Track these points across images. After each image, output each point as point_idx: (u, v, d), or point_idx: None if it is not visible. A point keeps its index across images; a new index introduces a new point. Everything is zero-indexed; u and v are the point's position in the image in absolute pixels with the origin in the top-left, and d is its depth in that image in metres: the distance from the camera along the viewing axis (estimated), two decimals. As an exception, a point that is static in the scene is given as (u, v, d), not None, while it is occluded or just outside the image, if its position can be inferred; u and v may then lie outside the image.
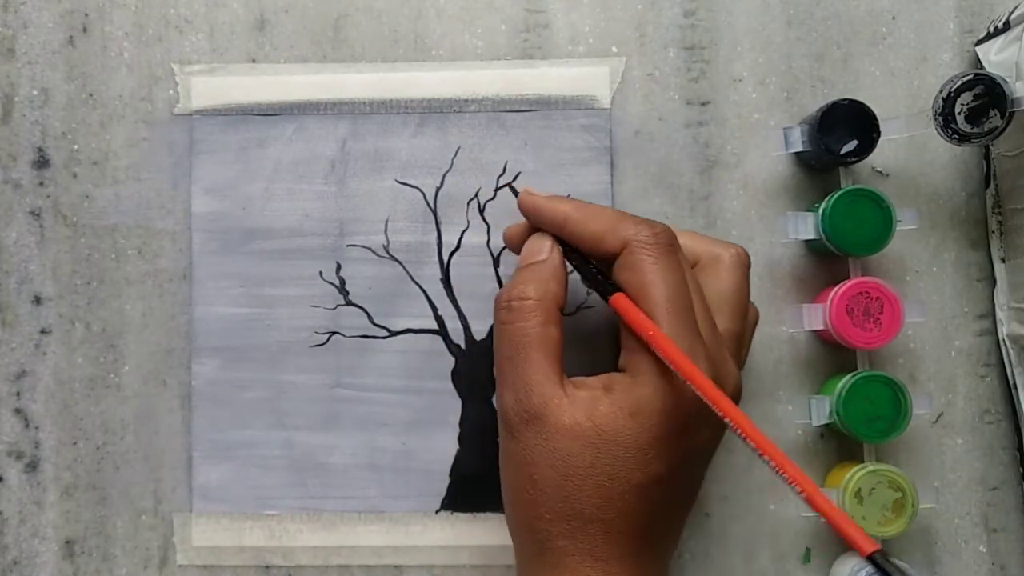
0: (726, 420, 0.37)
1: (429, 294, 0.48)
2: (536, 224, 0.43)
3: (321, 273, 0.48)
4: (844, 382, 0.44)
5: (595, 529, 0.38)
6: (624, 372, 0.39)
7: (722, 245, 0.43)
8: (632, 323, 0.38)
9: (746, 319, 0.42)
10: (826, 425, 0.45)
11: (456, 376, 0.47)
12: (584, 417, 0.38)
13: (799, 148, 0.45)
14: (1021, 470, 0.46)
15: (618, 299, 0.39)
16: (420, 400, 0.47)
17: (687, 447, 0.39)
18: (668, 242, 0.39)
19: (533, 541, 0.40)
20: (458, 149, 0.48)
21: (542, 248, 0.42)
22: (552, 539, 0.39)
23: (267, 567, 0.47)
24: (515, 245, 0.43)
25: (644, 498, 0.38)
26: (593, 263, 0.41)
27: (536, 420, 0.39)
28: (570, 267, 0.42)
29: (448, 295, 0.48)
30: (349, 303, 0.48)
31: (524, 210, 0.43)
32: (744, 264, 0.43)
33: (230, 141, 0.48)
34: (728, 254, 0.42)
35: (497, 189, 0.48)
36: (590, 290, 0.41)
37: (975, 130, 0.42)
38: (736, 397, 0.40)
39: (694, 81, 0.48)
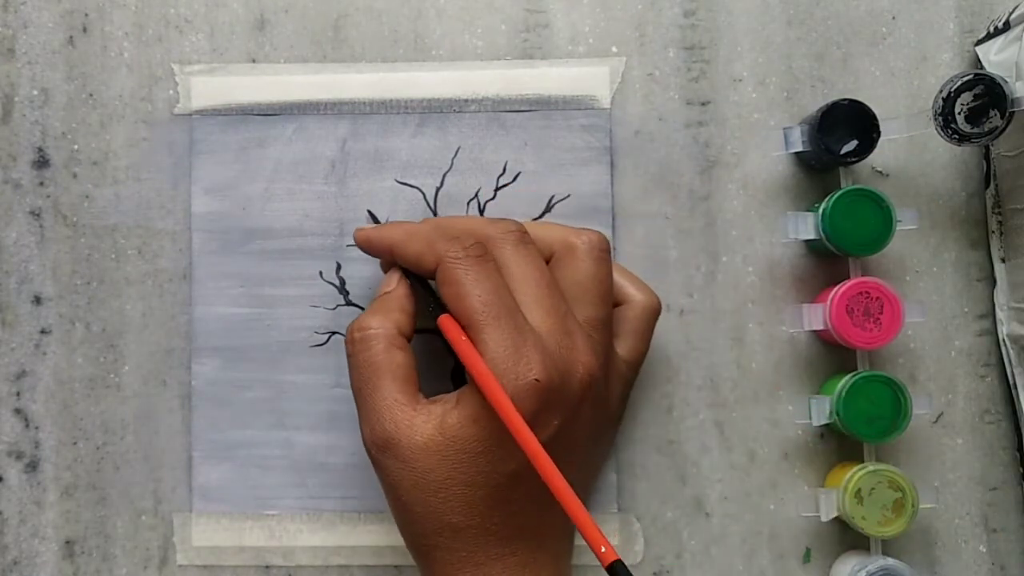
0: (520, 443, 0.37)
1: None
2: (375, 256, 0.44)
3: (321, 273, 0.48)
4: (844, 382, 0.44)
5: (467, 536, 0.39)
6: (468, 386, 0.40)
7: (576, 233, 0.43)
8: (451, 341, 0.40)
9: (608, 304, 0.43)
10: (826, 425, 0.45)
11: (456, 376, 0.47)
12: (436, 432, 0.39)
13: (799, 148, 0.45)
14: (1021, 470, 0.46)
15: (443, 320, 0.40)
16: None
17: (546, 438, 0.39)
18: (477, 253, 0.40)
19: (421, 557, 0.41)
20: (458, 149, 0.48)
21: (391, 280, 0.43)
22: (432, 552, 0.40)
23: (267, 567, 0.47)
24: (364, 246, 0.45)
25: (505, 498, 0.39)
26: (431, 290, 0.42)
27: (392, 445, 0.39)
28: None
29: (448, 295, 0.48)
30: (349, 303, 0.48)
31: (359, 245, 0.44)
32: (599, 249, 0.43)
33: (230, 141, 0.48)
34: (581, 241, 0.42)
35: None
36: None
37: (975, 130, 0.42)
38: (587, 383, 0.40)
39: (694, 81, 0.48)
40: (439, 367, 0.46)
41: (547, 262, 0.43)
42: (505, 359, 0.38)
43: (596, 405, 0.41)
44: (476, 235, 0.41)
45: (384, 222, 0.47)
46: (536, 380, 0.38)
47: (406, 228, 0.43)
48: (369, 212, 0.47)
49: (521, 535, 0.40)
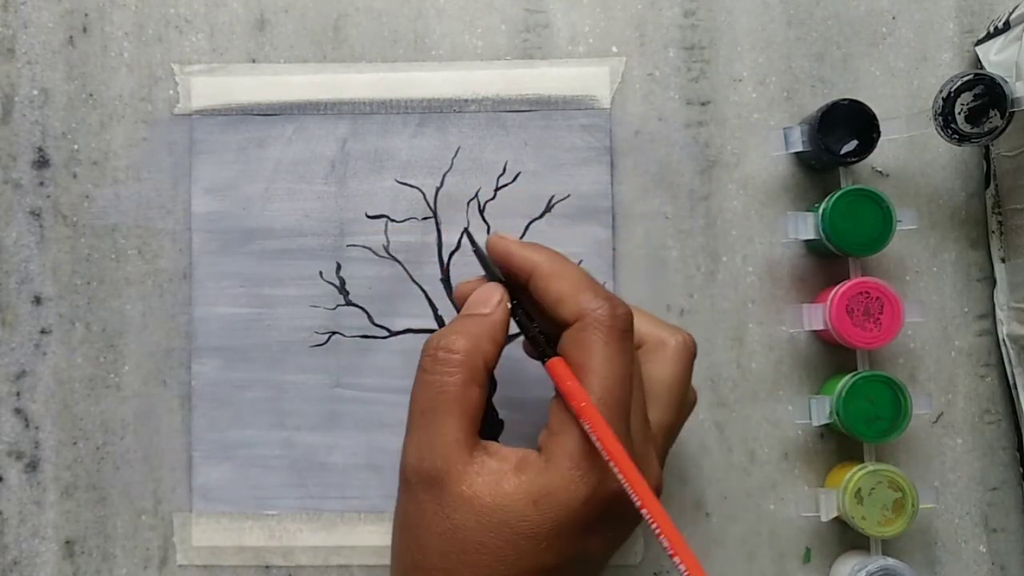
0: (639, 506, 0.34)
1: (429, 294, 0.48)
2: (503, 268, 0.40)
3: (321, 273, 0.48)
4: (844, 382, 0.44)
5: None
6: (540, 452, 0.37)
7: (669, 330, 0.40)
8: (564, 390, 0.36)
9: (682, 412, 0.40)
10: (826, 425, 0.45)
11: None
12: (486, 492, 0.35)
13: (799, 148, 0.45)
14: (1021, 470, 0.46)
15: (555, 364, 0.37)
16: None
17: (584, 546, 0.36)
18: (624, 327, 0.37)
19: None
20: (458, 149, 0.48)
21: (489, 300, 0.39)
22: None
23: (267, 567, 0.47)
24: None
25: None
26: (537, 324, 0.39)
27: (435, 484, 0.36)
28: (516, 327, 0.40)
29: (448, 295, 0.48)
30: (349, 303, 0.48)
31: (493, 253, 0.40)
32: (690, 352, 0.40)
33: (230, 141, 0.48)
34: (675, 340, 0.40)
35: (461, 237, 0.46)
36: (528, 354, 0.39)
37: (975, 130, 0.42)
38: (656, 495, 0.37)
39: (694, 81, 0.48)
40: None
41: None
42: (596, 456, 0.35)
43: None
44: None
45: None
46: (615, 491, 0.35)
47: (555, 258, 0.38)
48: (467, 232, 0.44)
49: None
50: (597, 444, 0.35)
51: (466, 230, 0.45)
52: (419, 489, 0.37)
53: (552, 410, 0.37)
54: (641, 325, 0.40)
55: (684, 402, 0.40)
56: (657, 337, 0.40)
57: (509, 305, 0.39)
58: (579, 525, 0.35)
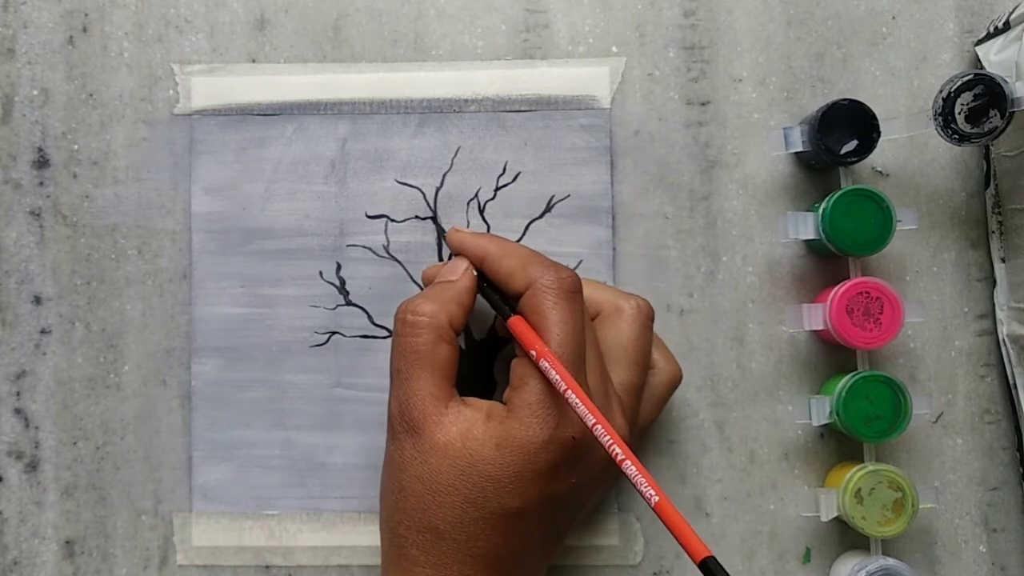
0: (598, 432, 0.37)
1: (429, 294, 0.48)
2: (465, 256, 0.44)
3: (321, 273, 0.48)
4: (844, 382, 0.44)
5: (447, 547, 0.39)
6: (504, 404, 0.40)
7: (624, 296, 0.43)
8: (524, 341, 0.39)
9: (644, 371, 0.43)
10: (826, 425, 0.45)
11: (456, 376, 0.47)
12: (458, 438, 0.39)
13: (799, 148, 0.45)
14: (1021, 470, 0.46)
15: (515, 321, 0.40)
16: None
17: (548, 489, 0.39)
18: (571, 288, 0.40)
19: (392, 544, 0.41)
20: (458, 149, 0.48)
21: (456, 269, 0.43)
22: (407, 547, 0.40)
23: (267, 567, 0.47)
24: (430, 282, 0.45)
25: (497, 528, 0.39)
26: (499, 291, 0.42)
27: (414, 432, 0.40)
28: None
29: (448, 295, 0.48)
30: (349, 303, 0.48)
31: (450, 245, 0.44)
32: (645, 316, 0.43)
33: (230, 141, 0.48)
34: (629, 305, 0.43)
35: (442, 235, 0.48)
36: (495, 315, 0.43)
37: (975, 130, 0.42)
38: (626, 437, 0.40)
39: (694, 81, 0.48)
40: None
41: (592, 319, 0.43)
42: (552, 405, 0.38)
43: (614, 467, 0.41)
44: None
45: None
46: (573, 438, 0.38)
47: (503, 243, 0.43)
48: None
49: (499, 567, 0.40)
50: (555, 378, 0.38)
51: (438, 224, 0.48)
52: (402, 436, 0.40)
53: (514, 368, 0.40)
54: (596, 294, 0.44)
55: (645, 362, 0.43)
56: (613, 303, 0.43)
57: (474, 272, 0.43)
58: (539, 468, 0.38)
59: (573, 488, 0.39)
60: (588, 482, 0.40)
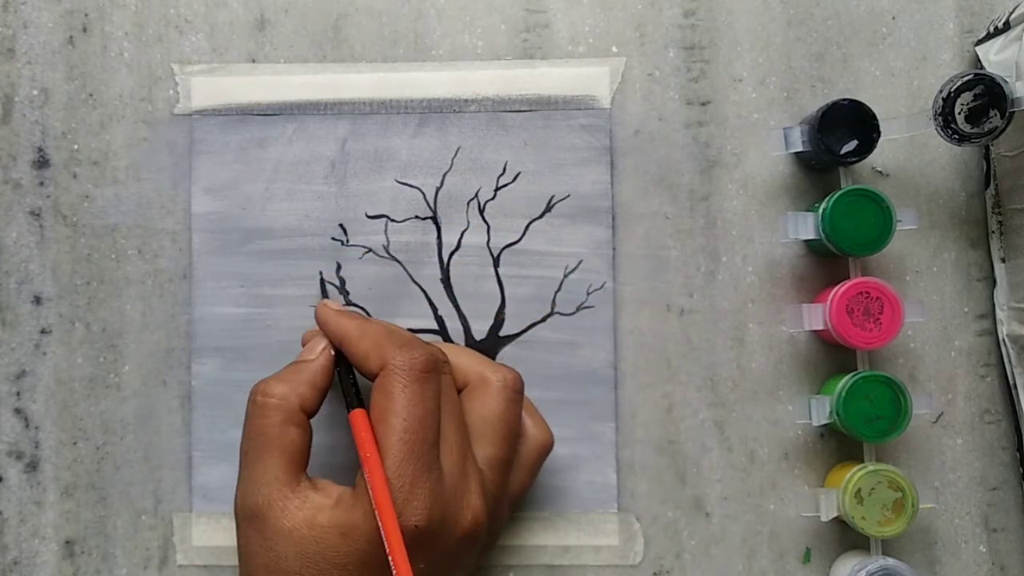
0: (388, 553, 0.37)
1: (429, 294, 0.48)
2: (328, 337, 0.43)
3: (321, 273, 0.48)
4: (844, 382, 0.44)
5: None
6: (353, 489, 0.39)
7: (492, 368, 0.43)
8: (357, 442, 0.39)
9: (512, 444, 0.42)
10: (826, 425, 0.45)
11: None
12: (304, 525, 0.38)
13: (799, 148, 0.45)
14: (1021, 470, 0.46)
15: (355, 416, 0.40)
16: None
17: None
18: (423, 369, 0.39)
19: None
20: (458, 149, 0.48)
21: (314, 348, 0.43)
22: None
23: (267, 567, 0.47)
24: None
25: None
26: (354, 378, 0.42)
27: (257, 519, 0.39)
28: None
29: (448, 295, 0.48)
30: (349, 303, 0.48)
31: (317, 320, 0.44)
32: (512, 389, 0.42)
33: (230, 141, 0.48)
34: (496, 378, 0.42)
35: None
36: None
37: (975, 130, 0.42)
38: (470, 531, 0.40)
39: (694, 81, 0.48)
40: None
41: (459, 391, 0.43)
42: (397, 493, 0.38)
43: (473, 545, 0.41)
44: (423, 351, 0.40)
45: (330, 298, 0.47)
46: (416, 526, 0.38)
47: (361, 325, 0.42)
48: (320, 275, 0.47)
49: None
50: (367, 485, 0.38)
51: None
52: (245, 524, 0.40)
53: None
54: (464, 364, 0.43)
55: (513, 436, 0.42)
56: (479, 375, 0.43)
57: (332, 353, 0.42)
58: (383, 558, 0.38)
59: (421, 572, 0.38)
60: (439, 566, 0.40)
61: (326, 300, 0.46)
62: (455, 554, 0.40)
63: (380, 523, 0.37)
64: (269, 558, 0.39)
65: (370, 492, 0.38)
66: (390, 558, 0.37)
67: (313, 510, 0.39)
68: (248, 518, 0.39)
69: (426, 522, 0.38)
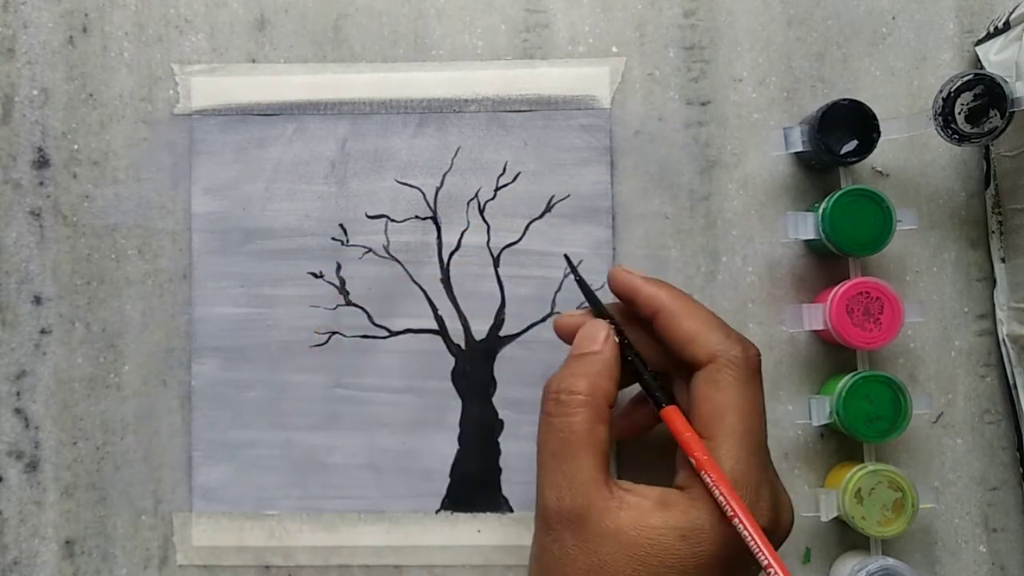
0: (762, 561, 0.35)
1: (429, 294, 0.48)
2: (625, 301, 0.41)
3: (321, 273, 0.48)
4: (844, 382, 0.44)
5: None
6: (681, 490, 0.38)
7: (734, 340, 0.40)
8: (682, 442, 0.37)
9: (765, 429, 0.40)
10: (826, 425, 0.45)
11: (456, 376, 0.47)
12: (630, 526, 0.36)
13: (799, 148, 0.45)
14: (1021, 470, 0.46)
15: (670, 412, 0.38)
16: (420, 400, 0.47)
17: None
18: (756, 367, 0.38)
19: None
20: (458, 149, 0.48)
21: (596, 337, 0.40)
22: None
23: (267, 567, 0.47)
24: (567, 335, 0.42)
25: None
26: (648, 367, 0.40)
27: (577, 522, 0.37)
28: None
29: (448, 295, 0.48)
30: (349, 303, 0.48)
31: (616, 287, 0.41)
32: (754, 368, 0.40)
33: (230, 141, 0.48)
34: (743, 354, 0.39)
35: (566, 275, 0.46)
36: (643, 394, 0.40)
37: (975, 130, 0.42)
38: (790, 528, 0.39)
39: (694, 81, 0.48)
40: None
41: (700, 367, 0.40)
42: (743, 495, 0.36)
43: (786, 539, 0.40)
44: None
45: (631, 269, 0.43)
46: (764, 528, 0.36)
47: (683, 299, 0.39)
48: (567, 259, 0.43)
49: None
50: (720, 499, 0.36)
51: (567, 257, 0.43)
52: (561, 528, 0.37)
53: (681, 451, 0.38)
54: (703, 332, 0.39)
55: (764, 421, 0.40)
56: (725, 353, 0.40)
57: (616, 341, 0.40)
58: (722, 561, 0.36)
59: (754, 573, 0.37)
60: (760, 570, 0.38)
61: (621, 265, 0.43)
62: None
63: (743, 527, 0.35)
64: (593, 562, 0.36)
65: (714, 491, 0.36)
66: (767, 567, 0.35)
67: (636, 511, 0.37)
68: (566, 522, 0.37)
69: (771, 525, 0.37)
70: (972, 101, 0.42)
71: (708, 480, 0.36)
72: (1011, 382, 0.46)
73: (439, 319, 0.48)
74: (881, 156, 0.47)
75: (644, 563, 0.36)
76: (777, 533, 0.38)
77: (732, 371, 0.38)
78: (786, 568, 0.35)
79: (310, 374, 0.48)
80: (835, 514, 0.45)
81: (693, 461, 0.37)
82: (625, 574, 0.36)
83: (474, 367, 0.47)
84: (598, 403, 0.38)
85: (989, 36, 0.46)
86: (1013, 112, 0.42)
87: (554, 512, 0.37)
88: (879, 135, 0.44)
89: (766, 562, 0.35)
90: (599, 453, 0.38)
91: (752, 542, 0.35)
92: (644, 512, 0.37)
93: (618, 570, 0.36)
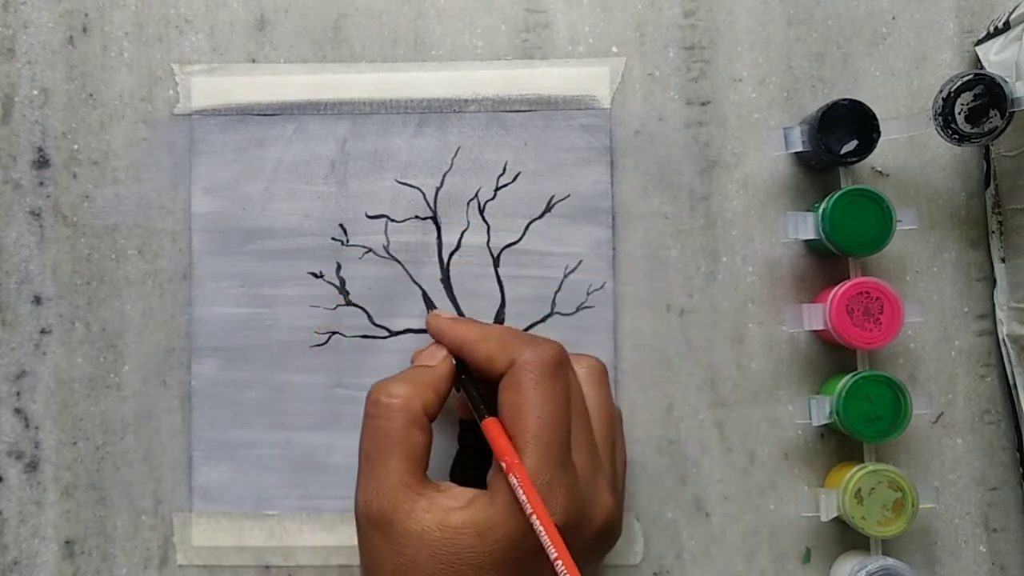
0: (551, 554, 0.36)
1: (429, 294, 0.48)
2: (443, 343, 0.43)
3: (321, 273, 0.48)
4: (844, 382, 0.44)
5: None
6: (487, 490, 0.39)
7: (573, 358, 0.42)
8: (495, 449, 0.39)
9: (613, 424, 0.42)
10: (826, 425, 0.45)
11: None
12: (435, 526, 0.38)
13: (799, 148, 0.45)
14: (1021, 470, 0.46)
15: (488, 424, 0.39)
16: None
17: (528, 573, 0.38)
18: (555, 364, 0.39)
19: None
20: (458, 149, 0.48)
21: (435, 355, 0.42)
22: None
23: (267, 567, 0.47)
24: (433, 335, 0.44)
25: None
26: (479, 388, 0.42)
27: (384, 524, 0.38)
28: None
29: (448, 295, 0.48)
30: (349, 303, 0.48)
31: (432, 333, 0.44)
32: (598, 373, 0.42)
33: (230, 141, 0.48)
34: (580, 369, 0.42)
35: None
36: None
37: (975, 130, 0.42)
38: (605, 527, 0.40)
39: (694, 81, 0.48)
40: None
41: None
42: (540, 490, 0.37)
43: (604, 542, 0.41)
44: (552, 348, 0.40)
45: (444, 312, 0.47)
46: (556, 525, 0.37)
47: (480, 328, 0.42)
48: (422, 289, 0.47)
49: None
50: (522, 498, 0.37)
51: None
52: (371, 530, 0.39)
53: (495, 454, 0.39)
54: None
55: (612, 421, 0.42)
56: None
57: (453, 362, 0.42)
58: (521, 555, 0.37)
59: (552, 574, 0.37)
60: (578, 557, 0.39)
61: (436, 311, 0.46)
62: (588, 552, 0.40)
63: (535, 520, 0.36)
64: (399, 562, 0.38)
65: (518, 492, 0.37)
66: (555, 559, 0.36)
67: (443, 512, 0.38)
68: (373, 523, 0.38)
69: (563, 521, 0.37)
70: (972, 101, 0.42)
71: (502, 471, 0.38)
72: (1011, 382, 0.46)
73: (439, 319, 0.48)
74: (881, 156, 0.47)
75: (446, 562, 0.37)
76: (580, 531, 0.39)
77: (526, 374, 0.39)
78: (572, 562, 0.36)
79: (310, 374, 0.48)
80: (835, 514, 0.45)
81: (504, 465, 0.38)
82: (429, 573, 0.37)
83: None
84: (414, 410, 0.40)
85: (989, 36, 0.46)
86: (1013, 112, 0.42)
87: (363, 514, 0.39)
88: (879, 135, 0.44)
89: (555, 555, 0.36)
90: (411, 457, 0.39)
91: (543, 536, 0.36)
92: (449, 513, 0.38)
93: (422, 570, 0.37)
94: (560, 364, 0.40)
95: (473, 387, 0.42)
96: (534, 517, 0.36)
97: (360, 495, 0.39)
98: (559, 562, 0.36)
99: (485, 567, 0.37)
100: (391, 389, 0.40)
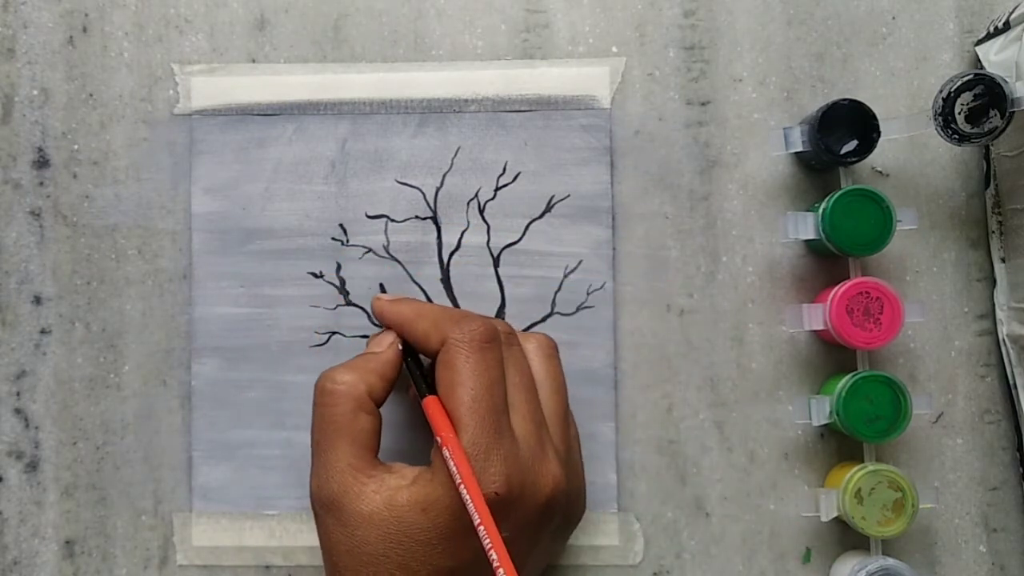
0: (476, 522, 0.37)
1: (429, 294, 0.48)
2: (386, 326, 0.44)
3: (321, 273, 0.48)
4: (844, 382, 0.44)
5: None
6: (429, 467, 0.39)
7: (523, 336, 0.43)
8: (432, 425, 0.39)
9: (564, 396, 0.43)
10: (826, 425, 0.45)
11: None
12: (383, 506, 0.38)
13: (799, 148, 0.45)
14: (1021, 470, 0.46)
15: (428, 402, 0.40)
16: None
17: (475, 546, 0.38)
18: (484, 339, 0.40)
19: None
20: (458, 149, 0.48)
21: (382, 342, 0.43)
22: None
23: (267, 567, 0.47)
24: (378, 318, 0.45)
25: None
26: (421, 367, 0.42)
27: (334, 507, 0.39)
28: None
29: (448, 295, 0.48)
30: (349, 303, 0.48)
31: (375, 315, 0.45)
32: (547, 347, 0.43)
33: (230, 141, 0.48)
34: (528, 345, 0.43)
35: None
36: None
37: (975, 130, 0.42)
38: (552, 495, 0.40)
39: (694, 81, 0.48)
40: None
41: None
42: (473, 462, 0.38)
43: (554, 513, 0.41)
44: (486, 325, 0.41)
45: (391, 294, 0.47)
46: (496, 494, 0.38)
47: (417, 307, 0.43)
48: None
49: None
50: (453, 470, 0.38)
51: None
52: (324, 513, 0.40)
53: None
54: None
55: (561, 388, 0.43)
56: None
57: (400, 347, 0.43)
58: (462, 531, 0.38)
59: (507, 540, 0.38)
60: (522, 535, 0.40)
61: (380, 294, 0.47)
62: (537, 523, 0.40)
63: (464, 492, 0.37)
64: (351, 544, 0.39)
65: (449, 464, 0.38)
66: (478, 525, 0.37)
67: (391, 491, 0.39)
68: (325, 507, 0.40)
69: (505, 489, 0.38)
70: (972, 101, 0.42)
71: (438, 445, 0.38)
72: (1011, 382, 0.46)
73: (439, 319, 0.48)
74: (881, 156, 0.47)
75: (395, 540, 0.38)
76: (526, 500, 0.39)
77: (456, 349, 0.40)
78: (497, 532, 0.36)
79: (310, 374, 0.48)
80: (835, 514, 0.45)
81: (439, 439, 0.39)
82: (380, 553, 0.38)
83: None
84: (360, 395, 0.40)
85: (989, 36, 0.46)
86: (1013, 112, 0.42)
87: (316, 499, 0.40)
88: (879, 135, 0.44)
89: (478, 521, 0.36)
90: (358, 442, 0.40)
91: (469, 504, 0.37)
92: (396, 492, 0.39)
93: (373, 550, 0.38)
94: (489, 339, 0.40)
95: (417, 367, 0.42)
96: (463, 487, 0.37)
97: (313, 481, 0.40)
98: (481, 528, 0.36)
99: (432, 542, 0.38)
100: (336, 376, 0.41)
